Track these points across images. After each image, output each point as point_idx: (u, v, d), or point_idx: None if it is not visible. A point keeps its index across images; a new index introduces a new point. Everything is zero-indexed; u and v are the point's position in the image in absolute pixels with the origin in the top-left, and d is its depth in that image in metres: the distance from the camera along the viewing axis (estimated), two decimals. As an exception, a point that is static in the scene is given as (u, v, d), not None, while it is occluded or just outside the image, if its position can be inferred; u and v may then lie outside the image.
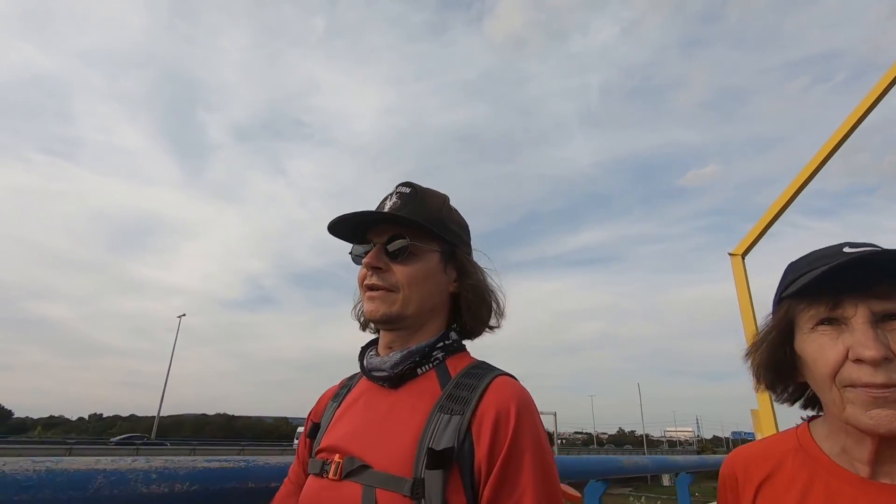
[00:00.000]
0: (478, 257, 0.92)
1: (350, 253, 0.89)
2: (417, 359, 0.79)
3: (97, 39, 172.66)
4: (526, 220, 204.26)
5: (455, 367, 0.79)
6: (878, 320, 0.63)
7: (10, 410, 75.09)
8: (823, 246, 0.72)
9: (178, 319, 37.90)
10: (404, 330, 0.82)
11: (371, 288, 0.81)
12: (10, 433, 59.42)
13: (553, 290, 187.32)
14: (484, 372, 0.75)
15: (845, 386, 0.63)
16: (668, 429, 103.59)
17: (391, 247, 0.81)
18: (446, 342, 0.82)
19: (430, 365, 0.79)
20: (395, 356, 0.79)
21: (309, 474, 0.79)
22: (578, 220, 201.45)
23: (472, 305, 0.85)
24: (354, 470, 0.70)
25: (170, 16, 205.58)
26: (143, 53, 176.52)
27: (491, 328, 0.89)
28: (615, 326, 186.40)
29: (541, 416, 0.74)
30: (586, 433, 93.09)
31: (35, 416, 76.13)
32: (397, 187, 0.86)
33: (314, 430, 0.86)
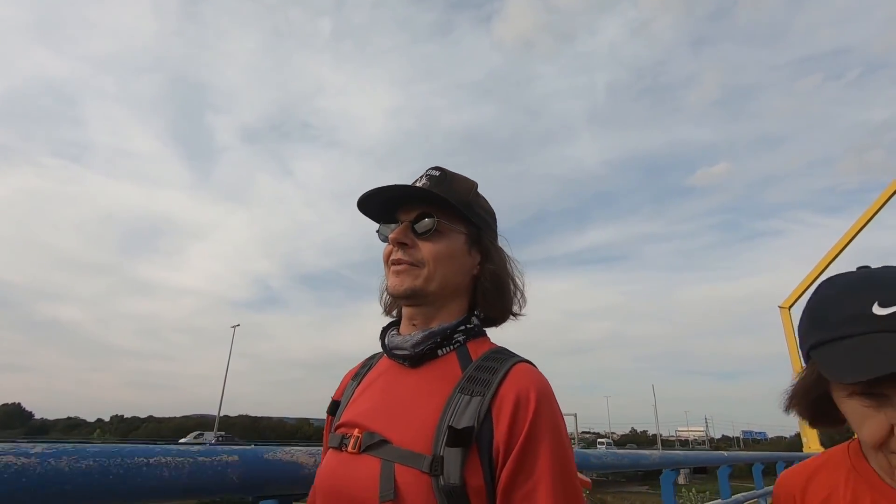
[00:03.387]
0: (502, 244, 0.92)
1: (377, 231, 0.89)
2: (438, 339, 0.79)
3: (108, 45, 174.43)
4: (534, 220, 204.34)
5: (476, 350, 0.79)
6: None
7: (31, 412, 76.47)
8: (848, 271, 0.71)
9: (231, 329, 38.77)
10: (427, 306, 0.83)
11: (396, 262, 0.82)
12: (32, 434, 60.50)
13: (561, 290, 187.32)
14: (505, 357, 0.76)
15: (892, 453, 0.64)
16: (679, 428, 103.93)
17: (419, 226, 0.82)
18: (468, 325, 0.83)
19: (451, 347, 0.80)
20: (417, 336, 0.80)
21: (329, 448, 0.81)
22: (586, 220, 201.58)
23: (489, 291, 0.85)
24: (374, 444, 0.72)
25: (179, 20, 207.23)
26: (153, 58, 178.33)
27: (514, 315, 0.89)
28: (625, 326, 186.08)
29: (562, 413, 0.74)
30: (594, 433, 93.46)
31: (51, 418, 77.33)
32: (428, 170, 0.86)
33: (334, 407, 0.88)
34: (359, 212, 0.88)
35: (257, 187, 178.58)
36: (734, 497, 6.16)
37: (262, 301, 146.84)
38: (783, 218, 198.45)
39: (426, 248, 0.81)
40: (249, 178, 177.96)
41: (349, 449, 0.74)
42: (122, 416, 72.82)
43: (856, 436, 0.75)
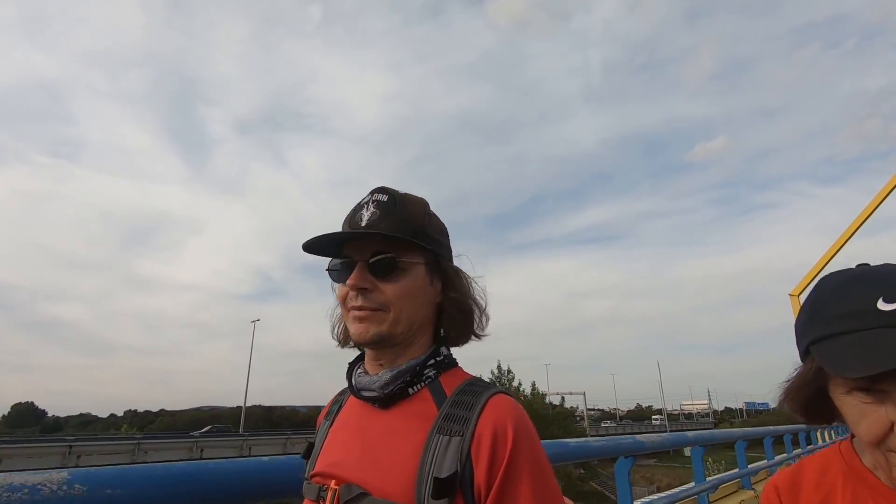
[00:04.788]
0: (459, 261, 0.87)
1: (327, 269, 0.82)
2: (408, 378, 0.75)
3: (96, 40, 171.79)
4: (532, 202, 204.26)
5: (449, 384, 0.75)
6: None
7: (45, 410, 77.35)
8: (856, 265, 0.69)
9: (251, 324, 39.40)
10: (394, 346, 0.77)
11: (358, 309, 0.76)
12: (47, 432, 61.30)
13: (561, 271, 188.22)
14: (480, 389, 0.72)
15: (891, 451, 0.63)
16: (683, 402, 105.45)
17: (377, 266, 0.76)
18: (437, 359, 0.78)
19: (423, 384, 0.76)
20: (385, 376, 0.75)
21: (304, 498, 0.76)
22: (584, 199, 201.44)
23: (456, 319, 0.81)
24: (353, 498, 0.68)
25: (166, 12, 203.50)
26: (142, 51, 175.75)
27: (478, 337, 0.85)
28: (626, 304, 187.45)
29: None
30: (598, 409, 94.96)
31: (63, 415, 78.20)
32: (373, 194, 0.80)
33: (309, 451, 0.83)
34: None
35: (254, 179, 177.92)
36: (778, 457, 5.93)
37: (263, 293, 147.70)
38: (782, 190, 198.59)
39: (389, 290, 0.75)
40: (245, 170, 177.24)
41: (327, 503, 0.70)
42: (136, 410, 73.95)
43: (848, 435, 0.77)
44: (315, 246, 0.79)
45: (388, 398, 0.75)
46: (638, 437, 3.04)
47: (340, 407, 0.84)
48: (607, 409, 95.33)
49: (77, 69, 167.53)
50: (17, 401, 75.76)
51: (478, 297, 0.85)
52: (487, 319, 0.85)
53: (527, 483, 0.65)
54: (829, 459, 0.77)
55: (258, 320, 39.89)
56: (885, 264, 0.68)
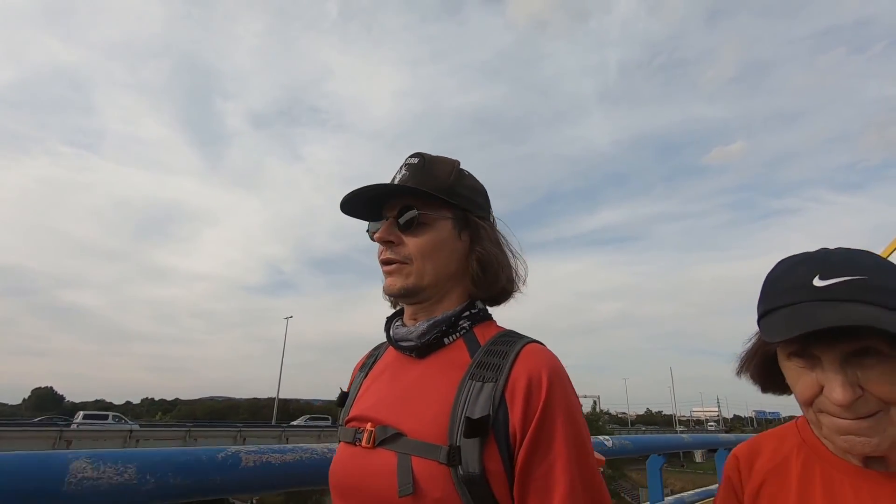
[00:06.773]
0: (498, 222, 0.90)
1: (367, 231, 0.87)
2: (444, 328, 0.78)
3: (116, 31, 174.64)
4: (544, 201, 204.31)
5: (484, 335, 0.78)
6: (848, 358, 0.65)
7: (63, 395, 78.84)
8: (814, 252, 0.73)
9: (284, 321, 40.42)
10: (426, 301, 0.81)
11: (386, 262, 0.81)
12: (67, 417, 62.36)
13: (572, 271, 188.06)
14: (514, 339, 0.75)
15: (820, 411, 0.69)
16: (694, 409, 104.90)
17: (402, 219, 0.80)
18: (473, 311, 0.81)
19: (458, 334, 0.79)
20: (422, 326, 0.79)
21: (339, 442, 0.80)
22: (597, 200, 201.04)
23: (477, 274, 0.82)
24: (388, 438, 0.71)
25: (185, 4, 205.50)
26: (161, 43, 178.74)
27: (511, 293, 0.86)
28: (638, 307, 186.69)
29: (582, 398, 0.86)
30: (606, 413, 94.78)
31: (79, 401, 79.59)
32: (407, 159, 0.84)
33: (342, 399, 0.87)
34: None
35: (268, 172, 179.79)
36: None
37: (275, 285, 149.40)
38: (799, 196, 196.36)
39: (412, 244, 0.80)
40: (260, 164, 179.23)
41: (363, 444, 0.73)
42: (153, 398, 75.07)
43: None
44: (355, 210, 0.86)
45: (424, 347, 0.79)
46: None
47: (376, 360, 0.89)
48: (615, 413, 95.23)
49: (97, 60, 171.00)
50: (37, 385, 77.35)
51: (508, 252, 0.86)
52: (520, 276, 0.87)
53: (560, 428, 0.67)
54: (785, 432, 0.85)
55: (291, 317, 40.82)
56: (836, 248, 0.74)
